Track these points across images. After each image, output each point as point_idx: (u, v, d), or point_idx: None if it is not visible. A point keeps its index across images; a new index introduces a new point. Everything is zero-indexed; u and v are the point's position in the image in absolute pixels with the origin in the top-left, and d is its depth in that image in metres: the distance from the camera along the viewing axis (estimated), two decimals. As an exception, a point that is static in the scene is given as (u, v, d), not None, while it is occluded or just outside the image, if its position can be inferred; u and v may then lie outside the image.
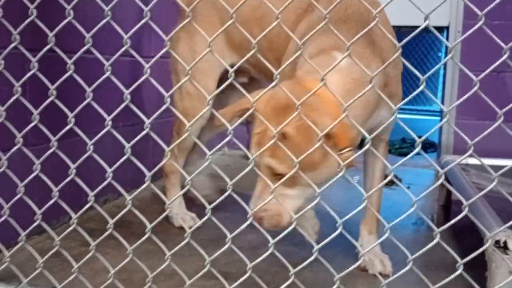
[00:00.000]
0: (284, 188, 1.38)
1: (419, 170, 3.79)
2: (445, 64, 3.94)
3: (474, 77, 0.86)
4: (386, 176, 3.31)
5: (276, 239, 1.13)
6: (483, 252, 1.25)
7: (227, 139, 1.17)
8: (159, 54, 1.19)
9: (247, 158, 1.25)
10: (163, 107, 1.16)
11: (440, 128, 3.96)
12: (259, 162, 1.37)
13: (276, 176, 1.36)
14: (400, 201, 2.89)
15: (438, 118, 6.38)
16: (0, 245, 1.46)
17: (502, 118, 0.85)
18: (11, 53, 1.28)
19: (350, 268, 1.06)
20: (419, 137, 0.95)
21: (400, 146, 4.65)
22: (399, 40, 0.93)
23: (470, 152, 0.87)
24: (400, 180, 3.20)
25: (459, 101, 0.91)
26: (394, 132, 4.59)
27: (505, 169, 0.93)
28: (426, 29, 0.92)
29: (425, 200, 2.88)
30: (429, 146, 4.60)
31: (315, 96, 1.18)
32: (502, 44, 0.83)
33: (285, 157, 1.26)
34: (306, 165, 1.27)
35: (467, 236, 2.12)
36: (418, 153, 0.94)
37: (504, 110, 0.86)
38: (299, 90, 1.26)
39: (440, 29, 3.82)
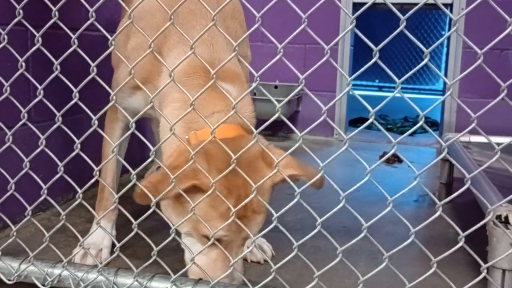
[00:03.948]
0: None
1: (421, 148, 3.80)
2: (448, 42, 3.92)
3: (478, 50, 0.86)
4: (386, 154, 3.32)
5: (279, 213, 1.14)
6: (484, 228, 1.26)
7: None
8: (160, 32, 1.18)
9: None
10: (168, 82, 1.16)
11: (443, 107, 3.97)
12: (240, 232, 1.27)
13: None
14: (401, 178, 2.91)
15: (441, 97, 6.36)
16: (7, 220, 1.47)
17: (505, 91, 0.85)
18: (13, 30, 1.28)
19: (353, 241, 1.07)
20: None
21: (402, 125, 4.65)
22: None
23: (473, 125, 0.88)
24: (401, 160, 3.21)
25: (463, 74, 0.91)
26: (396, 110, 4.62)
27: (506, 143, 0.93)
28: (429, 7, 0.91)
29: (426, 177, 2.90)
30: (431, 125, 4.61)
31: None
32: (507, 17, 0.83)
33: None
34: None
35: (468, 213, 2.14)
36: (420, 131, 0.94)
37: (508, 83, 0.86)
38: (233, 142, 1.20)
39: (443, 6, 3.80)
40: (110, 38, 1.15)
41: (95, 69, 1.15)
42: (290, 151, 1.10)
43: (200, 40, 1.18)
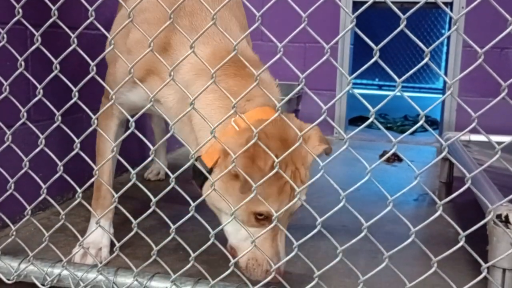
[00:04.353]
0: None
1: (421, 147, 3.79)
2: (448, 41, 3.91)
3: (478, 49, 0.85)
4: (385, 153, 3.31)
5: (279, 212, 1.13)
6: (484, 227, 1.26)
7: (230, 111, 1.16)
8: (162, 28, 1.18)
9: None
10: (167, 81, 1.16)
11: (443, 106, 3.96)
12: (288, 210, 1.28)
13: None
14: (401, 177, 2.90)
15: (441, 96, 6.36)
16: (6, 219, 1.47)
17: (506, 90, 0.85)
18: (12, 28, 1.28)
19: (353, 241, 1.06)
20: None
21: (402, 124, 4.65)
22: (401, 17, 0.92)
23: (474, 124, 0.87)
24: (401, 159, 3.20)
25: (463, 73, 0.91)
26: (396, 109, 4.59)
27: (506, 142, 0.93)
28: (430, 6, 0.91)
29: (426, 176, 2.90)
30: (431, 124, 4.60)
31: None
32: (507, 15, 0.83)
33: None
34: None
35: (468, 213, 2.13)
36: (420, 130, 0.94)
37: (508, 82, 0.86)
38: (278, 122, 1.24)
39: (444, 5, 3.81)
40: (109, 37, 1.15)
41: (94, 68, 1.15)
42: (290, 150, 1.10)
43: (215, 29, 1.22)
